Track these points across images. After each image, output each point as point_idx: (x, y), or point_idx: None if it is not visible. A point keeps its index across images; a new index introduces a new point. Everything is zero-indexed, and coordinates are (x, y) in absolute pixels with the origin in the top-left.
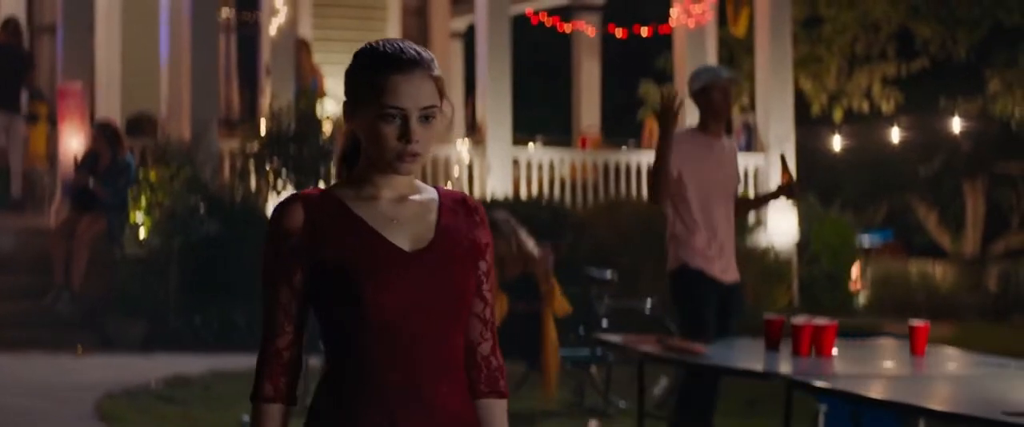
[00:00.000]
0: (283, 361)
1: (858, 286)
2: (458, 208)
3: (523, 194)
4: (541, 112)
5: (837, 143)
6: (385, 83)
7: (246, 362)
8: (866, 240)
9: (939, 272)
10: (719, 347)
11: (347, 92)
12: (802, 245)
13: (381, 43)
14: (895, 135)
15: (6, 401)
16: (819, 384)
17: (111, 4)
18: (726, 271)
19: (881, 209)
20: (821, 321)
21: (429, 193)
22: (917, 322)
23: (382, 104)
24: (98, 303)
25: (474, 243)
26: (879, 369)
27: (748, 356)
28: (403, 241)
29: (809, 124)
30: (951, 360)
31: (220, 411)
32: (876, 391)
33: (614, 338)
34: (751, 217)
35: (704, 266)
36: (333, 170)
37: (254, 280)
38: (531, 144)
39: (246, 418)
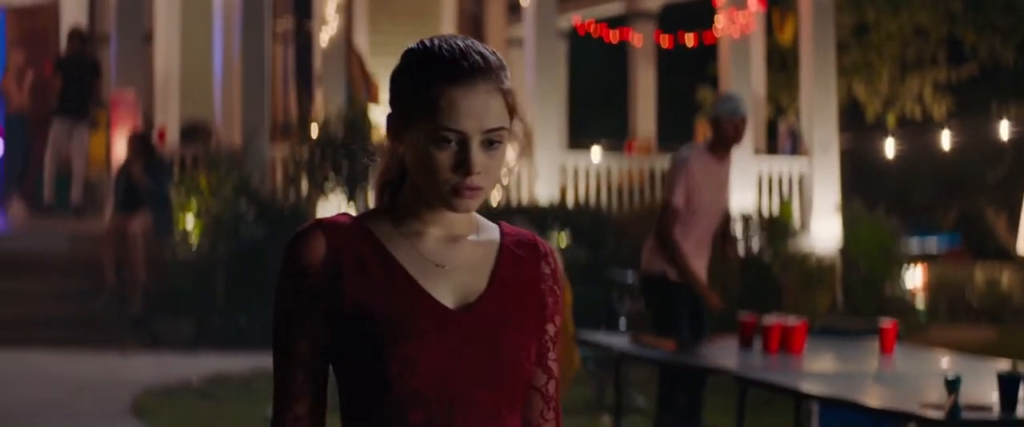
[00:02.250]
0: None
1: (918, 290)
2: (523, 254)
3: (570, 200)
4: (607, 118)
5: (893, 148)
6: (439, 97)
7: None
8: (933, 245)
9: (1006, 277)
10: (694, 345)
11: (392, 103)
12: (846, 250)
13: (436, 43)
14: (953, 139)
15: (46, 396)
16: (756, 378)
17: (170, 13)
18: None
19: (950, 214)
20: (791, 321)
21: (490, 233)
22: (886, 322)
23: (435, 125)
24: (148, 303)
25: (540, 300)
26: (839, 367)
27: (718, 354)
28: (446, 294)
29: (865, 130)
30: (917, 359)
31: (254, 407)
32: (811, 386)
33: (591, 336)
34: (796, 222)
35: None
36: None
37: None
38: (595, 148)
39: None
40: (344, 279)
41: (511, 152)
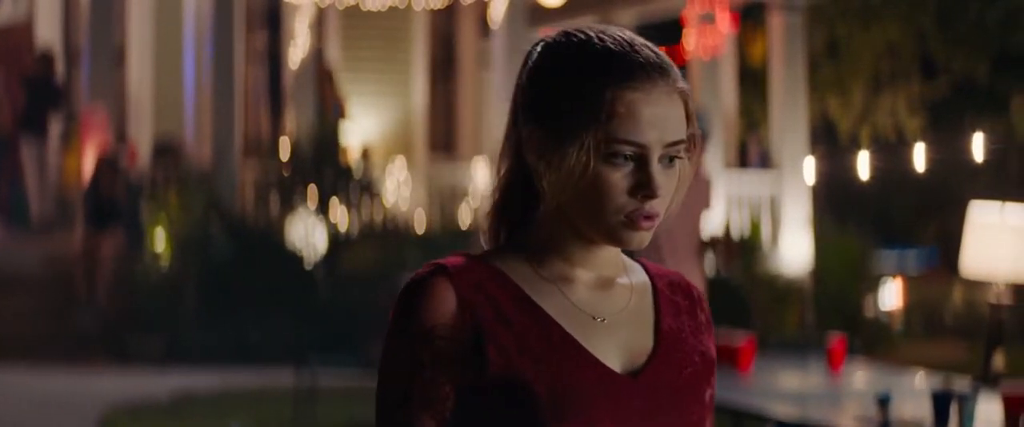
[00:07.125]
0: None
1: (895, 307)
2: (679, 299)
3: None
4: None
5: (868, 164)
6: (615, 102)
7: (256, 379)
8: (912, 259)
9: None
10: None
11: (534, 109)
12: (816, 267)
13: (595, 34)
14: (928, 155)
15: (11, 412)
16: None
17: (142, 30)
18: None
19: (929, 230)
20: (739, 339)
21: (637, 273)
22: (834, 339)
23: (609, 137)
24: (118, 319)
25: (706, 358)
26: (783, 385)
27: None
28: (612, 355)
29: (839, 148)
30: (870, 375)
31: (220, 425)
32: (746, 401)
33: None
34: (767, 239)
35: None
36: (480, 222)
37: (268, 298)
38: None
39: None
40: (486, 339)
41: (687, 169)
